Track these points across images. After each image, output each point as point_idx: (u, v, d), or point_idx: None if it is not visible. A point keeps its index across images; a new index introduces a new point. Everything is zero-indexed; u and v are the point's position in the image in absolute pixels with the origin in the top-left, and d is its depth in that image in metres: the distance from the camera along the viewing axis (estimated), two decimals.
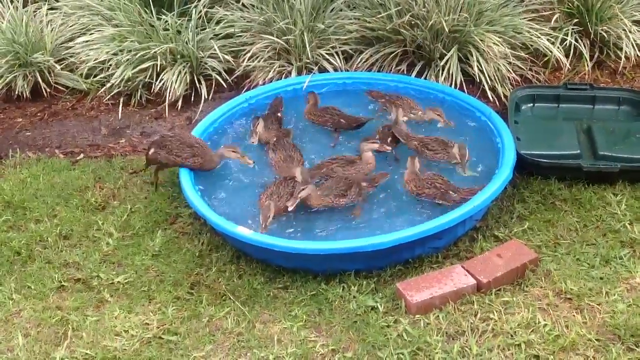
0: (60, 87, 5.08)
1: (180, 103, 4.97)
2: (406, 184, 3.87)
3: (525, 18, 4.93)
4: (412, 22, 4.78)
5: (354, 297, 3.43)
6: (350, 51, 5.08)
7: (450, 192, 3.76)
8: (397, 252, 3.52)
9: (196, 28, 5.18)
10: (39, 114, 5.05)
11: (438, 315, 3.27)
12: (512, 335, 3.15)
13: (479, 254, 3.57)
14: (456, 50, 4.75)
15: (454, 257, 3.63)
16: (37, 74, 5.10)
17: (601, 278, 3.42)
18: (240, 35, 5.23)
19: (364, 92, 4.70)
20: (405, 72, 4.88)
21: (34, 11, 5.46)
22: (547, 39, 4.81)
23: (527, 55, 4.87)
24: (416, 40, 4.83)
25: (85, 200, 4.16)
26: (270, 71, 4.96)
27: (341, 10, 5.20)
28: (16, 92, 5.09)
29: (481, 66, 4.67)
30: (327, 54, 5.00)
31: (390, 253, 3.50)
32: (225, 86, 5.06)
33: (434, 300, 3.29)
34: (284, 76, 4.98)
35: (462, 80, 4.67)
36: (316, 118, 4.52)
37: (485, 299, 3.33)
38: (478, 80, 4.68)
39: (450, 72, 4.68)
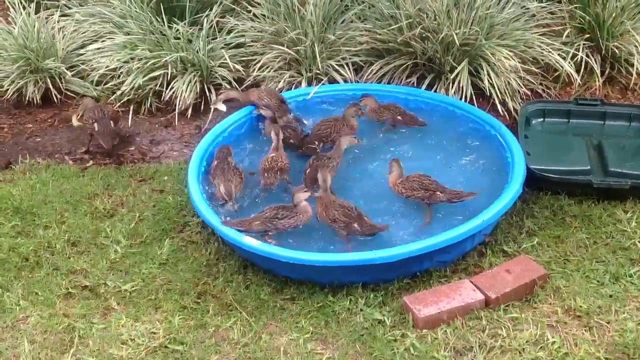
0: (70, 94, 5.09)
1: (190, 111, 4.98)
2: (394, 187, 3.88)
3: (536, 33, 4.93)
4: (423, 35, 4.78)
5: (361, 310, 3.42)
6: (360, 62, 5.09)
7: (438, 193, 3.78)
8: (405, 265, 3.50)
9: (207, 37, 5.20)
10: (49, 120, 5.07)
11: (446, 330, 3.25)
12: (520, 352, 3.13)
13: (488, 269, 3.56)
14: (467, 63, 4.74)
15: (463, 272, 3.61)
16: (48, 80, 5.12)
17: (611, 296, 3.40)
18: (251, 45, 5.24)
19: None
20: (415, 84, 4.87)
21: (46, 18, 5.48)
22: (558, 54, 4.81)
23: (537, 70, 4.86)
24: (427, 52, 4.83)
25: (94, 207, 4.16)
26: (280, 81, 4.97)
27: (352, 21, 5.22)
28: (27, 98, 5.11)
29: (492, 80, 4.67)
30: (337, 65, 5.00)
31: (397, 266, 3.49)
32: None
33: (442, 315, 3.28)
34: (293, 86, 4.99)
35: (473, 93, 4.67)
36: (377, 115, 4.54)
37: (493, 314, 3.31)
38: (488, 94, 4.67)
39: (461, 85, 4.68)
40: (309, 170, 4.06)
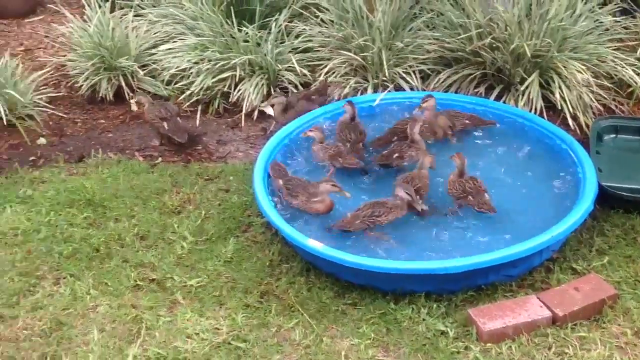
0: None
1: (256, 113, 5.04)
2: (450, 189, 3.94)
3: (609, 47, 4.85)
4: (493, 45, 4.74)
5: (424, 319, 3.40)
6: (427, 71, 5.08)
7: (470, 197, 3.82)
8: (470, 277, 3.47)
9: (275, 41, 5.27)
10: (120, 117, 5.20)
11: (510, 346, 3.20)
12: None
13: (556, 286, 3.50)
14: (537, 75, 4.69)
15: (529, 287, 3.56)
16: (121, 78, 5.26)
17: None
18: (318, 50, 5.29)
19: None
20: (483, 94, 4.84)
21: (120, 17, 5.63)
22: (633, 70, 4.71)
23: (610, 85, 4.77)
24: (496, 63, 4.79)
25: (162, 203, 4.25)
26: (346, 87, 5.00)
27: (420, 29, 5.21)
28: (100, 95, 5.26)
29: (563, 93, 4.60)
30: (404, 72, 5.00)
31: (462, 278, 3.46)
32: None
33: (507, 330, 3.23)
34: (359, 93, 5.01)
35: (543, 106, 4.60)
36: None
37: (560, 332, 3.25)
38: (559, 108, 4.60)
39: (531, 97, 4.62)
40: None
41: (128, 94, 5.24)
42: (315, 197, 3.89)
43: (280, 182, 4.01)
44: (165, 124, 4.77)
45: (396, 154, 4.23)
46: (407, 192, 3.80)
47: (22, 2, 6.69)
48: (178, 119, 4.84)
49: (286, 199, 3.98)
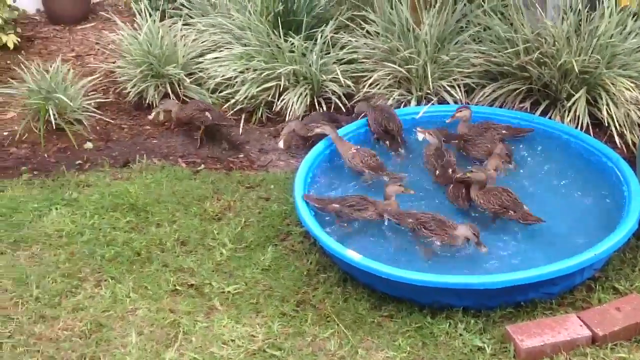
0: (187, 100, 5.29)
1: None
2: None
3: None
4: (541, 60, 4.69)
5: (460, 334, 3.36)
6: (472, 84, 5.04)
7: (511, 212, 3.82)
8: (509, 293, 3.43)
9: (321, 52, 5.30)
10: (165, 124, 5.28)
11: None
12: None
13: (596, 305, 3.43)
14: (585, 91, 4.61)
15: (569, 306, 3.50)
16: (168, 86, 5.35)
17: None
18: (363, 62, 5.30)
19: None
20: (528, 110, 4.78)
21: (170, 26, 5.73)
22: None
23: None
24: (543, 78, 4.74)
25: (204, 209, 4.30)
26: (389, 99, 4.99)
27: (466, 43, 5.18)
28: (147, 101, 5.36)
29: (610, 110, 4.52)
30: (448, 85, 4.98)
31: (501, 293, 3.41)
32: (344, 110, 5.15)
33: (545, 348, 3.18)
34: (402, 105, 5.00)
35: (589, 123, 4.53)
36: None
37: (599, 352, 3.18)
38: (606, 125, 4.52)
39: (577, 113, 4.55)
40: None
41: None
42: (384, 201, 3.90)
43: (335, 205, 3.92)
44: (208, 114, 4.88)
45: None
46: (473, 233, 3.68)
47: (74, 9, 6.87)
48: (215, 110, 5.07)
49: (354, 216, 3.91)
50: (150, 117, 5.21)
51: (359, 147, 4.42)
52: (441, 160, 4.27)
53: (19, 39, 6.14)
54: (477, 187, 3.94)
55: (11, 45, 6.03)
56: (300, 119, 5.00)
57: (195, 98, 5.33)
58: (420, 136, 4.39)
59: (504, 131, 4.50)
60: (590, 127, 4.54)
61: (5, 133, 5.20)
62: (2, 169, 4.79)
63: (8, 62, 6.04)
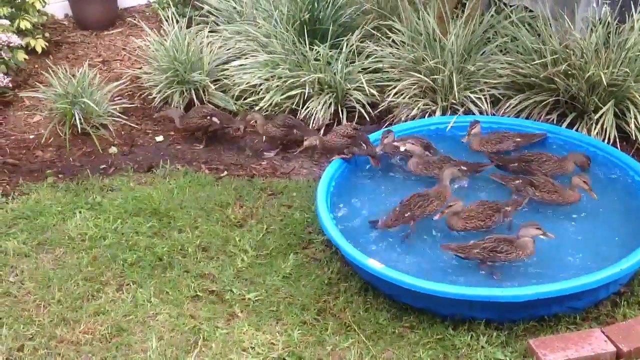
0: (211, 106, 5.30)
1: (322, 131, 5.06)
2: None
3: None
4: (568, 72, 4.64)
5: (482, 347, 3.33)
6: (498, 95, 5.01)
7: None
8: (533, 307, 3.38)
9: (346, 60, 5.29)
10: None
11: None
12: None
13: (621, 321, 3.38)
14: (613, 104, 4.55)
15: (594, 321, 3.45)
16: (193, 92, 5.38)
17: None
18: (388, 71, 5.28)
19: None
20: (555, 122, 4.73)
21: (196, 33, 5.77)
22: None
23: None
24: (570, 90, 4.68)
25: (226, 216, 4.31)
26: (414, 108, 4.97)
27: (493, 54, 5.15)
28: (172, 107, 5.39)
29: (638, 123, 4.45)
30: (474, 96, 4.94)
31: (524, 307, 3.37)
32: (368, 119, 5.13)
33: None
34: (427, 115, 4.98)
35: (616, 136, 4.47)
36: (494, 146, 4.51)
37: None
38: (634, 138, 4.46)
39: (604, 126, 4.49)
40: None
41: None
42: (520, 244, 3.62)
43: (475, 251, 3.63)
44: (215, 119, 4.89)
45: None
46: (536, 228, 3.58)
47: (102, 14, 6.94)
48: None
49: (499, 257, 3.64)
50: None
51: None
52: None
53: (47, 44, 6.21)
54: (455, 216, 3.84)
55: (39, 50, 6.10)
56: (320, 132, 4.99)
57: (219, 105, 5.35)
58: (402, 147, 4.39)
59: (517, 139, 4.49)
60: (618, 140, 4.47)
61: (32, 136, 5.26)
62: (27, 172, 4.84)
63: (36, 66, 6.12)
